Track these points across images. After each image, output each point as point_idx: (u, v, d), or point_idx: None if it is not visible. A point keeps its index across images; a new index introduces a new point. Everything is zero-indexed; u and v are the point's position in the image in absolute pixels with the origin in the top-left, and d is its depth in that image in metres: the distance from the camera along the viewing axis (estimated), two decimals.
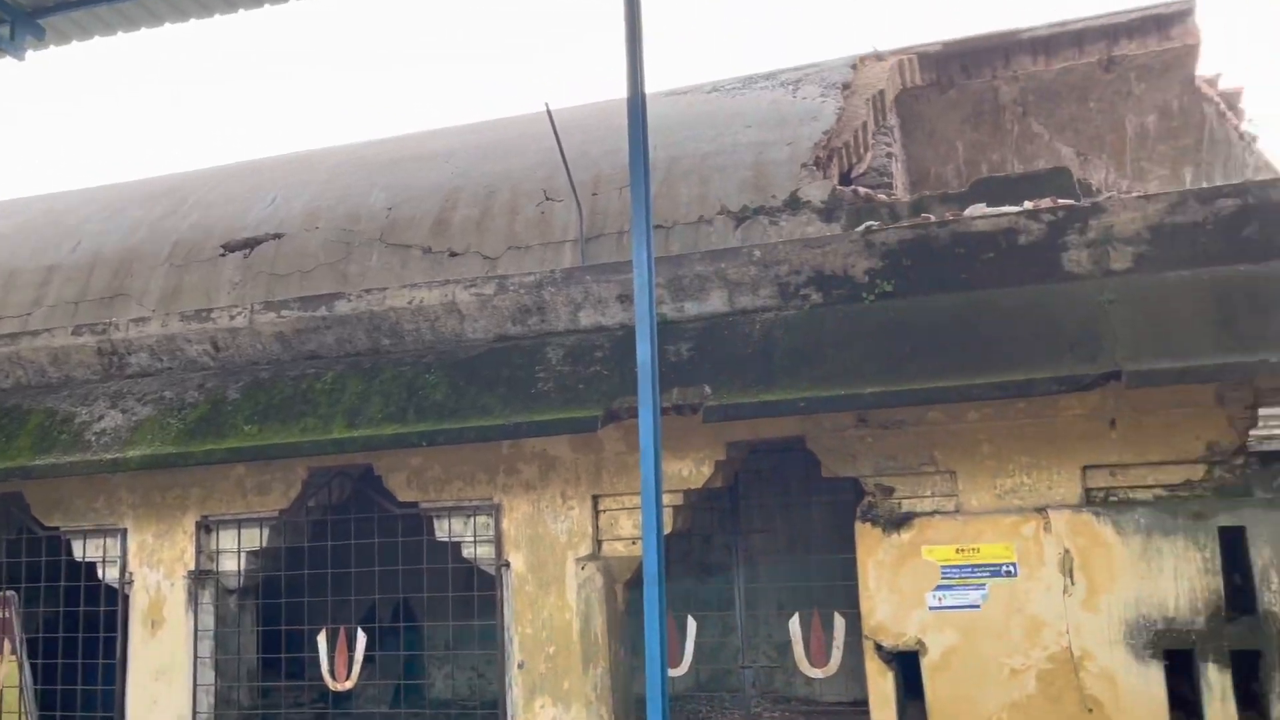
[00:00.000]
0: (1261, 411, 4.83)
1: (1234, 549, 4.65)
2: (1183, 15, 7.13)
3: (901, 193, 7.17)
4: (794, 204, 6.10)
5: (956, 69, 7.90)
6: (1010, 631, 4.85)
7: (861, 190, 6.07)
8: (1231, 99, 7.67)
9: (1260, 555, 4.58)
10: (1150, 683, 4.62)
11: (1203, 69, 7.63)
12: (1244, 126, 7.57)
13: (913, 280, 5.27)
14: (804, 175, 6.19)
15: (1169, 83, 7.62)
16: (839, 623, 5.40)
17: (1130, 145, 8.17)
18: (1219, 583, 4.63)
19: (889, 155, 6.78)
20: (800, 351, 5.25)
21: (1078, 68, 7.54)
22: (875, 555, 5.09)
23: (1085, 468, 4.95)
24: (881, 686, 5.01)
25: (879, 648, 5.03)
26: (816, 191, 6.08)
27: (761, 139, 6.61)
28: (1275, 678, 4.49)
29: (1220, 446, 4.81)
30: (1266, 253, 4.77)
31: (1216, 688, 4.54)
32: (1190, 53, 7.29)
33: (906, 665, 5.03)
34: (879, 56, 7.37)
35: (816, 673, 5.49)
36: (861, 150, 6.62)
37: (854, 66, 7.18)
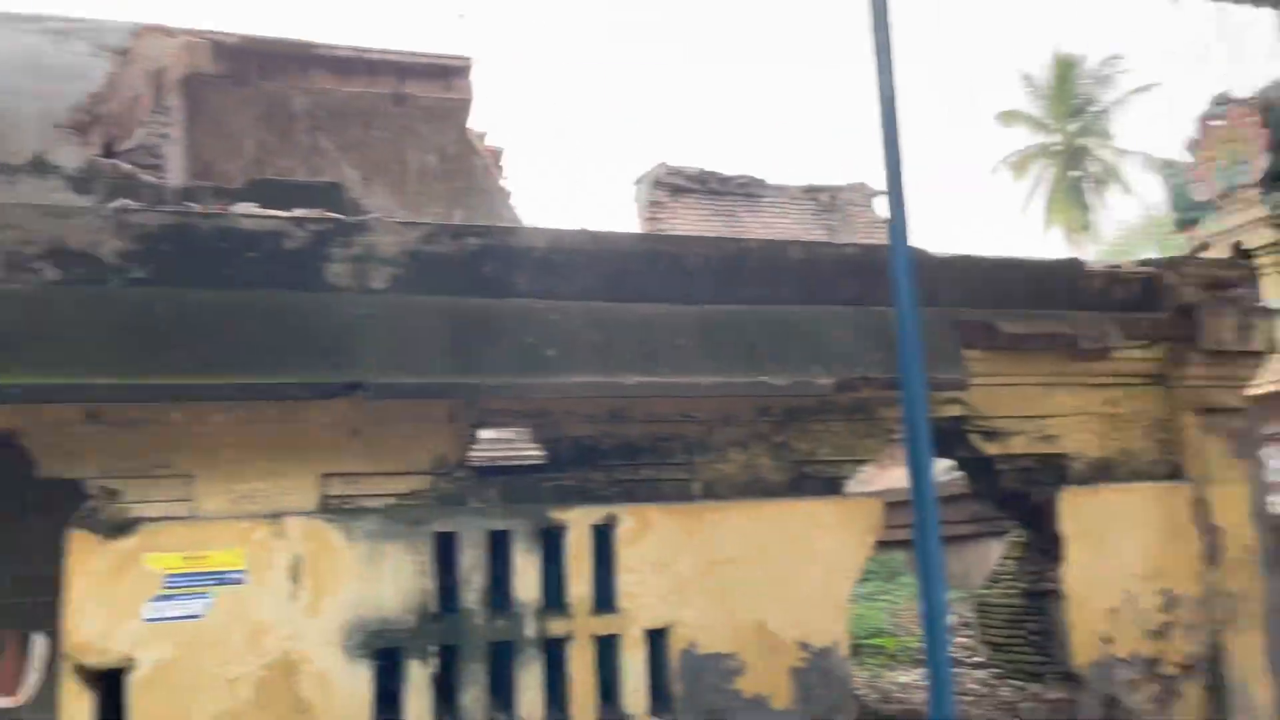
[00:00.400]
0: (481, 433, 5.44)
1: (447, 553, 5.13)
2: (462, 71, 7.90)
3: (178, 178, 6.73)
4: (41, 167, 5.35)
5: (254, 67, 7.72)
6: (232, 640, 4.71)
7: (125, 166, 5.56)
8: (496, 156, 8.69)
9: (467, 559, 5.12)
10: (359, 681, 4.84)
11: (475, 125, 8.54)
12: (502, 183, 8.63)
13: (170, 270, 4.93)
14: (58, 137, 5.48)
15: (448, 129, 8.37)
16: (39, 644, 4.76)
17: (412, 179, 8.77)
18: (431, 584, 5.05)
19: (164, 136, 6.31)
20: (25, 333, 4.56)
21: (369, 96, 7.90)
22: (88, 565, 4.58)
23: (325, 475, 5.07)
24: (76, 711, 4.49)
25: (80, 667, 4.52)
26: (70, 158, 5.41)
27: (10, 86, 5.67)
28: (468, 668, 5.03)
29: (446, 460, 5.30)
30: (500, 290, 5.40)
31: (417, 681, 4.93)
32: (465, 106, 8.10)
33: (113, 686, 4.59)
34: (168, 32, 6.86)
35: (5, 701, 4.78)
36: (132, 125, 6.07)
37: (136, 34, 6.57)
